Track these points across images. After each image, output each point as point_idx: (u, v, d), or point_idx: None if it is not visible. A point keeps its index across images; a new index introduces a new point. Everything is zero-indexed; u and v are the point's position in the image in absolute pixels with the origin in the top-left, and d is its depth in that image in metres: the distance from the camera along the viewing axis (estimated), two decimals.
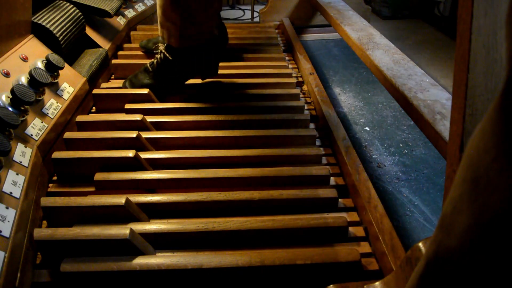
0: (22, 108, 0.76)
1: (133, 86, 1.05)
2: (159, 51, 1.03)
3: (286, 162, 0.83)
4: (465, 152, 0.27)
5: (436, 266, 0.29)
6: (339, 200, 0.75)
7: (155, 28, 1.57)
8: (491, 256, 0.24)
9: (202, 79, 1.09)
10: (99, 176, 0.75)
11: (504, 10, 0.24)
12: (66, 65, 0.96)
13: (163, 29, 0.97)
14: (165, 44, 1.01)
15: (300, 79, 1.28)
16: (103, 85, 1.12)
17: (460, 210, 0.26)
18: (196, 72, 1.04)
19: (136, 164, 0.78)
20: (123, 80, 1.10)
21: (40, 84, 0.82)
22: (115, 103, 1.02)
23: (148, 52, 1.32)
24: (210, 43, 1.01)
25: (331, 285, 0.55)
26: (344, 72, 1.64)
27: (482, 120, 0.25)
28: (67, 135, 0.84)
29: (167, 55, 1.00)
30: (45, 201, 0.66)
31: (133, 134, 0.83)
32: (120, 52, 1.30)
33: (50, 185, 0.79)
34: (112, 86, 1.09)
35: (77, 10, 1.12)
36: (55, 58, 0.90)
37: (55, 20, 1.02)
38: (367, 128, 1.24)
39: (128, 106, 0.99)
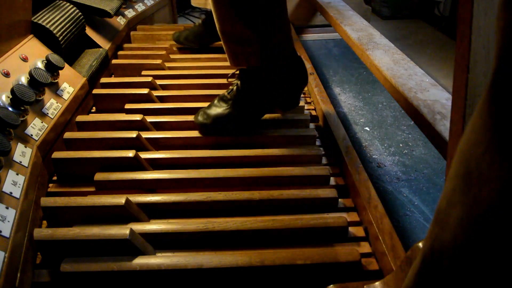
0: (22, 108, 0.76)
1: (208, 117, 0.88)
2: (234, 83, 0.88)
3: (286, 162, 0.83)
4: (457, 147, 0.27)
5: (432, 262, 0.29)
6: (339, 200, 0.75)
7: (155, 28, 1.57)
8: (485, 248, 0.24)
9: (284, 111, 0.93)
10: (99, 176, 0.75)
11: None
12: (66, 65, 0.96)
13: (237, 56, 0.82)
14: (241, 70, 0.86)
15: None
16: (103, 79, 1.11)
17: (454, 204, 0.26)
18: (278, 99, 0.88)
19: (136, 164, 0.78)
20: (124, 78, 1.10)
21: (40, 84, 0.82)
22: (115, 103, 1.02)
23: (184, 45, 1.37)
24: (291, 64, 0.86)
25: (331, 285, 0.55)
26: (344, 72, 1.64)
27: (473, 114, 0.25)
28: (67, 135, 0.84)
29: (246, 82, 0.84)
30: (45, 201, 0.66)
31: (133, 134, 0.83)
32: (120, 52, 1.30)
33: (50, 185, 0.79)
34: (112, 81, 1.09)
35: (77, 10, 1.12)
36: (55, 58, 0.90)
37: (55, 20, 1.02)
38: (367, 128, 1.24)
39: (128, 106, 0.99)
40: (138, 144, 0.83)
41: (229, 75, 0.90)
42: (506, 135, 0.23)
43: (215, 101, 0.89)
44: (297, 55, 0.88)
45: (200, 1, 1.46)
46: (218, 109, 0.87)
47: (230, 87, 0.88)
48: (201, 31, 1.37)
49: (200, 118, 0.89)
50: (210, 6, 0.78)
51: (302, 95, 1.17)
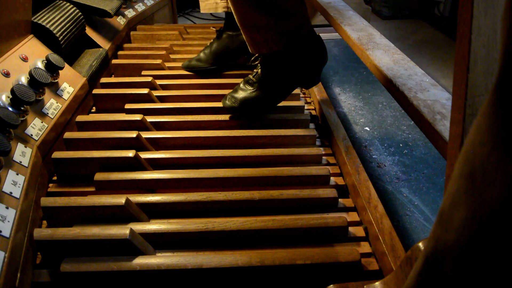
0: (22, 108, 0.76)
1: (236, 101, 0.92)
2: (258, 66, 0.92)
3: (286, 162, 0.83)
4: (462, 148, 0.27)
5: (434, 262, 0.29)
6: (339, 200, 0.75)
7: (155, 28, 1.57)
8: (489, 249, 0.24)
9: (306, 88, 1.05)
10: (99, 176, 0.75)
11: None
12: (66, 65, 0.96)
13: (257, 44, 0.86)
14: (263, 55, 0.90)
15: None
16: (103, 79, 1.10)
17: (458, 205, 0.26)
18: (301, 79, 0.92)
19: (136, 164, 0.78)
20: (124, 78, 1.10)
21: (40, 84, 0.82)
22: (115, 103, 1.02)
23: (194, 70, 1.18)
24: (310, 43, 0.89)
25: (331, 285, 0.55)
26: (344, 72, 1.64)
27: (477, 115, 0.25)
28: (67, 135, 0.84)
29: (269, 66, 0.89)
30: (45, 201, 0.66)
31: (133, 134, 0.83)
32: (120, 52, 1.30)
33: (50, 185, 0.79)
34: (112, 81, 1.09)
35: (77, 10, 1.12)
36: (55, 58, 0.90)
37: (55, 20, 1.02)
38: (367, 128, 1.24)
39: (128, 106, 0.99)
40: (138, 144, 0.83)
41: (252, 58, 0.94)
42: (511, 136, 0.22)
43: (241, 85, 0.94)
44: (315, 34, 0.90)
45: (211, 7, 1.36)
46: (244, 93, 0.92)
47: (255, 70, 0.93)
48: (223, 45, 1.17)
49: (228, 102, 0.93)
50: (229, 4, 0.84)
51: (302, 95, 1.17)
